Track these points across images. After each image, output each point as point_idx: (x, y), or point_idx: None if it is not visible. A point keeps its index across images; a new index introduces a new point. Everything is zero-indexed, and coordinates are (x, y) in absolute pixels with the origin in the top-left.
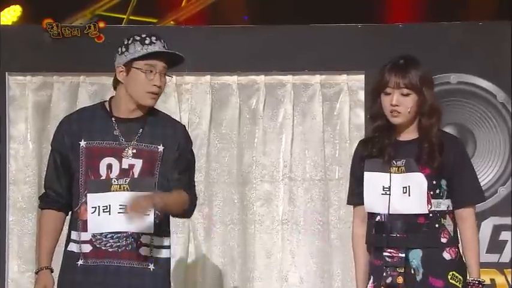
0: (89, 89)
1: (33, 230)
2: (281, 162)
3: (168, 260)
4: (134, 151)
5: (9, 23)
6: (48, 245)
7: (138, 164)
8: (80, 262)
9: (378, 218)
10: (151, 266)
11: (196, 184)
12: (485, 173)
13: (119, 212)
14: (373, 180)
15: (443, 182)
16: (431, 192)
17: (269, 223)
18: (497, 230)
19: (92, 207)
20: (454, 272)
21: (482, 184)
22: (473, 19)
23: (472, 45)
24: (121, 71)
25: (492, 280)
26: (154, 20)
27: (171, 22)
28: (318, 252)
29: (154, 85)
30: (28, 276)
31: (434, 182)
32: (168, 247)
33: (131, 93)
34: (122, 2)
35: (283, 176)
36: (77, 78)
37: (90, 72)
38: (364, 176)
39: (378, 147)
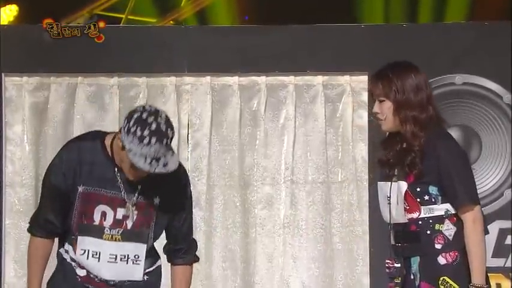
0: (86, 90)
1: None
2: (283, 165)
3: (159, 267)
4: (135, 201)
5: (6, 23)
6: (41, 271)
7: (133, 215)
8: (79, 278)
9: (389, 227)
10: (145, 277)
11: (197, 186)
12: (491, 176)
13: (108, 261)
14: (381, 190)
15: (433, 188)
16: (419, 200)
17: (270, 227)
18: (503, 233)
19: (82, 250)
20: (445, 277)
21: (488, 187)
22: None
23: (477, 45)
24: (119, 140)
25: (498, 285)
26: (154, 20)
27: (171, 22)
28: (320, 257)
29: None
30: (25, 281)
31: (418, 189)
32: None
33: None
34: (120, 1)
35: (284, 178)
36: (74, 79)
37: (88, 72)
38: (378, 186)
39: (384, 155)
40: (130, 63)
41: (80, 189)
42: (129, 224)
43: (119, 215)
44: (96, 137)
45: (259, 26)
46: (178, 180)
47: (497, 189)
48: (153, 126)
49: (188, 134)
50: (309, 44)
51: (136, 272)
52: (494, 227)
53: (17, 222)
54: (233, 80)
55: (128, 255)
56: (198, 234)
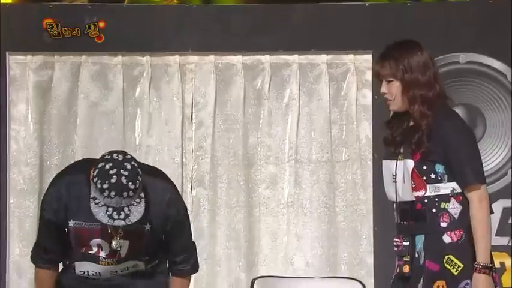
0: (90, 69)
1: (35, 212)
2: (287, 144)
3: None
4: (122, 233)
5: (9, 1)
6: None
7: (125, 244)
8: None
9: (394, 206)
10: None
11: (201, 165)
12: (495, 155)
13: (109, 276)
14: (386, 168)
15: (439, 167)
16: (425, 178)
17: (274, 206)
18: (506, 212)
19: (81, 271)
20: (450, 256)
21: (491, 166)
22: None
23: (481, 24)
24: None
25: (502, 263)
26: None
27: (175, 1)
28: (324, 236)
29: None
30: (29, 259)
31: (425, 168)
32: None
33: None
34: None
35: (288, 157)
36: (78, 57)
37: (92, 51)
38: (382, 164)
39: (390, 134)
40: (134, 42)
41: (71, 223)
42: (123, 253)
43: (113, 246)
44: (82, 170)
45: (263, 4)
46: (168, 209)
47: (501, 168)
48: (113, 179)
49: (192, 113)
50: (313, 23)
51: (138, 271)
52: (497, 206)
53: (22, 201)
54: (237, 59)
55: (127, 267)
56: (202, 213)
